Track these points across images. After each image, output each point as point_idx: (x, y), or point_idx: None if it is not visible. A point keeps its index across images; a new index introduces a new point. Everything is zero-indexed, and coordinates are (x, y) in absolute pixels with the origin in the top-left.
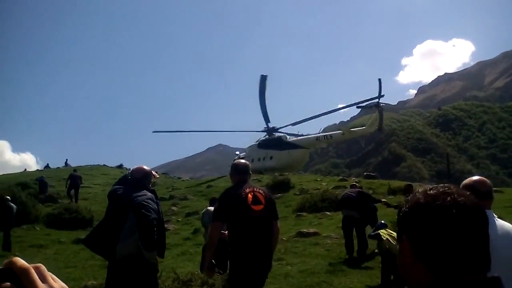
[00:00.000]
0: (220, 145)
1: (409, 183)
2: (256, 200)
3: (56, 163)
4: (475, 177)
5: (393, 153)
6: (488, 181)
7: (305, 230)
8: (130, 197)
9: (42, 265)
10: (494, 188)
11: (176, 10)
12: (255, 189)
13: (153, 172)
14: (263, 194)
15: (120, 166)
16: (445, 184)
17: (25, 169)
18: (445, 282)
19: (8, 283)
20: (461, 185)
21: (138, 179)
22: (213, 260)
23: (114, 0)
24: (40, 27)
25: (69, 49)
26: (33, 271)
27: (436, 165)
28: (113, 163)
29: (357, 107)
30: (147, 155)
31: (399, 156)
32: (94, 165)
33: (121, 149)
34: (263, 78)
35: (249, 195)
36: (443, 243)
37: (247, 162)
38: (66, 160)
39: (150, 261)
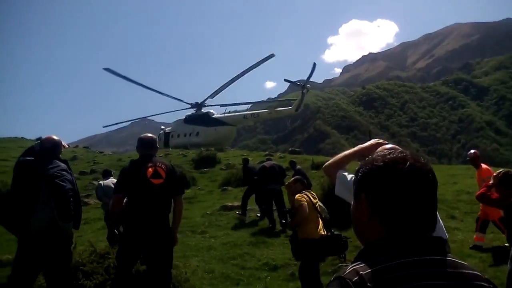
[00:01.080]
0: (145, 119)
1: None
2: (156, 174)
3: None
4: (388, 145)
5: (318, 130)
6: (399, 149)
7: (229, 204)
8: (42, 168)
9: None
10: None
11: None
12: (157, 164)
13: (63, 143)
14: (165, 169)
15: (39, 139)
16: (402, 149)
17: None
18: (396, 236)
19: None
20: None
21: (48, 149)
22: (115, 230)
23: None
24: None
25: None
26: None
27: (359, 141)
28: (31, 135)
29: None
30: (68, 128)
31: (324, 133)
32: (11, 137)
33: (40, 121)
34: (269, 56)
35: (150, 169)
36: (400, 202)
37: (154, 136)
38: None
39: (65, 232)
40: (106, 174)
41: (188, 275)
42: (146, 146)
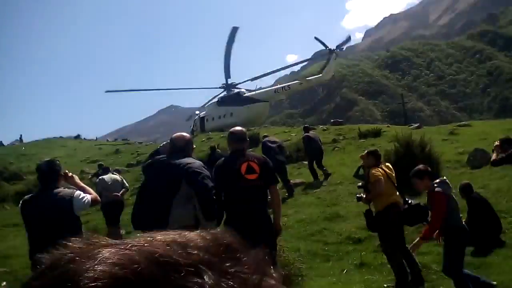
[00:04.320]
0: (171, 106)
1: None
2: (250, 169)
3: (8, 139)
4: None
5: (345, 98)
6: None
7: (291, 181)
8: (181, 166)
9: None
10: (459, 123)
11: None
12: (250, 158)
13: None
14: (258, 162)
15: (78, 137)
16: None
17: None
18: None
19: None
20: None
21: (182, 147)
22: None
23: None
24: None
25: (10, 8)
26: None
27: (387, 106)
28: (67, 133)
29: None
30: (99, 122)
31: (351, 101)
32: (50, 138)
33: (75, 119)
34: (234, 30)
35: (243, 165)
36: None
37: (244, 130)
38: (21, 135)
39: None
40: (105, 170)
41: (279, 254)
42: (237, 140)
